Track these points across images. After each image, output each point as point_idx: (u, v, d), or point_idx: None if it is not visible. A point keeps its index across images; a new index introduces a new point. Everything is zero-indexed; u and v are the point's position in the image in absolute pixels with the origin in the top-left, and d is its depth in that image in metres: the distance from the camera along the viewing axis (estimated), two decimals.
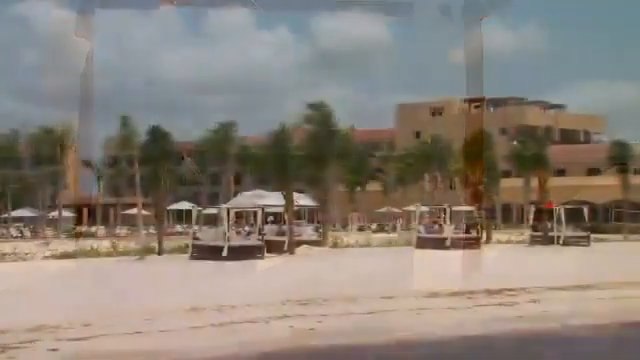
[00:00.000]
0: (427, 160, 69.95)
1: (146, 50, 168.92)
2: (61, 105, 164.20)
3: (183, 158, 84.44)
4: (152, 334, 14.45)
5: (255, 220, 37.05)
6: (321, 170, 41.97)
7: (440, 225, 44.08)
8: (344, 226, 70.93)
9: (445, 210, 43.30)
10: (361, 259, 32.53)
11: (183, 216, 77.35)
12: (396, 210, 75.06)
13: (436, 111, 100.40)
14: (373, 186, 79.76)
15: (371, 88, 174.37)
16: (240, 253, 32.09)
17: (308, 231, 42.14)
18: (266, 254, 33.02)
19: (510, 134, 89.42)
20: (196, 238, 34.45)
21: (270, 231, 38.05)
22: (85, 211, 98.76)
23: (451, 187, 74.87)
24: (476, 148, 48.69)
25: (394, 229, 65.29)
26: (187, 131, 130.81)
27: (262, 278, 23.77)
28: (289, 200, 36.55)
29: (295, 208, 38.60)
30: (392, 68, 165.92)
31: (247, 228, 39.06)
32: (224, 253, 31.77)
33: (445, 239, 40.41)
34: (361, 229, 68.77)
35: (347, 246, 42.72)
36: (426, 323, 16.16)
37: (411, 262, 30.85)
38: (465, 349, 13.73)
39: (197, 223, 37.29)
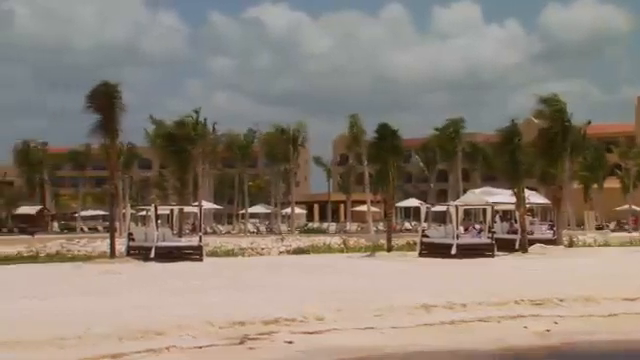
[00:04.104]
0: None
1: (374, 49, 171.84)
2: (293, 105, 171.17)
3: (411, 155, 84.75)
4: (383, 330, 14.42)
5: (484, 218, 36.23)
6: (554, 167, 40.27)
7: None
8: (579, 225, 67.83)
9: None
10: (599, 259, 30.74)
11: (411, 213, 77.65)
12: (638, 209, 70.74)
13: None
14: (611, 183, 75.58)
15: (608, 81, 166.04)
16: (469, 251, 31.48)
17: (541, 229, 40.68)
18: (497, 252, 32.16)
19: None
20: (425, 235, 34.25)
21: (500, 229, 37.10)
22: (316, 208, 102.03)
23: None
24: None
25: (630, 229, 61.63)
26: (414, 128, 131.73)
27: (493, 277, 23.08)
28: (520, 197, 35.32)
29: (527, 206, 37.26)
30: (630, 59, 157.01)
31: (477, 226, 38.30)
32: (453, 251, 31.29)
33: None
34: (599, 228, 65.38)
35: (584, 245, 40.71)
36: None
37: None
38: None
39: (425, 220, 37.06)
